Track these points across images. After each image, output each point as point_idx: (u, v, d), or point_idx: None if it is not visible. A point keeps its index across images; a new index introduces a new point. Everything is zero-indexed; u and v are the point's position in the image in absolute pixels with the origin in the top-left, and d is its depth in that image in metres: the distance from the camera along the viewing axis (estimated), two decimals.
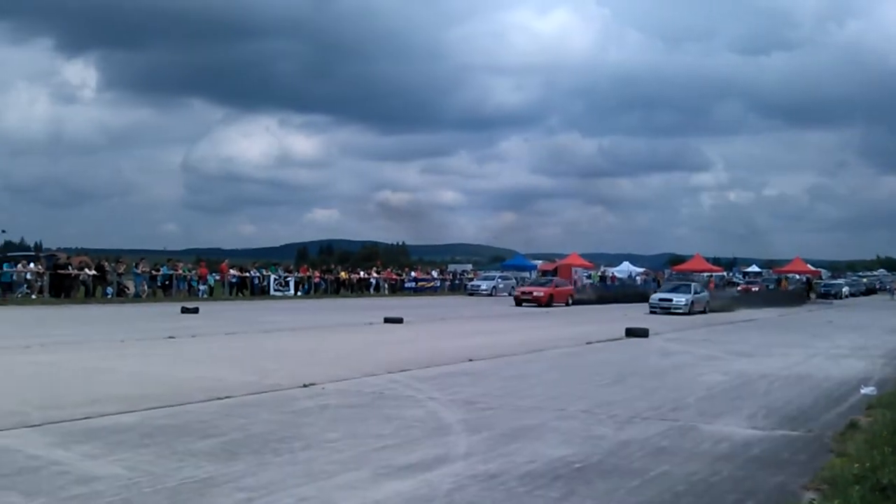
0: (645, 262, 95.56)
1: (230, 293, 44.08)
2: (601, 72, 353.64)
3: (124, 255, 48.35)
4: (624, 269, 74.99)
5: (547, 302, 40.94)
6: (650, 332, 22.61)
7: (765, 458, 8.06)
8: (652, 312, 34.67)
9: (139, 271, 39.76)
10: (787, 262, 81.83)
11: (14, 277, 35.07)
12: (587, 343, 20.30)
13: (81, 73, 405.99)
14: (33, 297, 34.75)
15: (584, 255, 73.73)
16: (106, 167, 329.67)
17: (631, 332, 22.45)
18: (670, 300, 36.12)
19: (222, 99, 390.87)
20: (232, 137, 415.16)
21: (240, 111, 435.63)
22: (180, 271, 42.28)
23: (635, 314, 32.73)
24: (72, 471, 6.85)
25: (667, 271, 73.66)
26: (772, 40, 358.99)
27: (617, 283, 64.60)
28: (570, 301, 43.32)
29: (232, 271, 45.76)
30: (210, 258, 61.72)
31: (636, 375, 14.58)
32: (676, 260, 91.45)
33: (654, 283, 58.71)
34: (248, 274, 46.32)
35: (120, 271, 39.08)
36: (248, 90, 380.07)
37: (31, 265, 36.47)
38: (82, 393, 10.92)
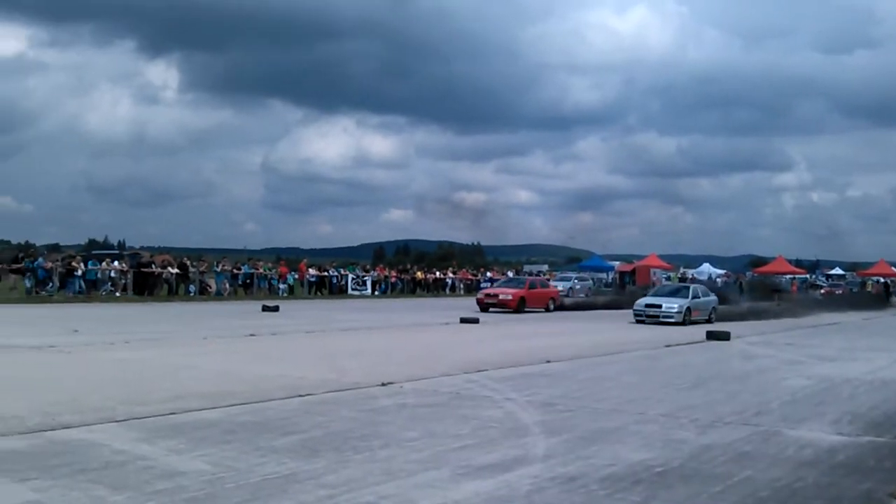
0: (726, 264, 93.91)
1: (309, 292, 44.68)
2: (679, 70, 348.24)
3: (206, 254, 49.33)
4: (704, 271, 73.88)
5: (517, 307, 34.38)
6: (731, 336, 22.24)
7: (850, 464, 7.85)
8: (638, 321, 29.01)
9: (220, 270, 40.52)
10: (872, 264, 80.00)
11: (99, 275, 35.99)
12: (666, 346, 20.06)
13: (163, 74, 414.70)
14: (117, 294, 35.61)
15: (662, 257, 73.05)
16: (187, 168, 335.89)
17: (712, 335, 22.12)
18: (658, 306, 29.40)
19: (301, 100, 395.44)
20: (310, 138, 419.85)
21: (318, 112, 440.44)
22: (261, 270, 43.02)
23: (620, 323, 28.69)
24: (157, 465, 6.98)
25: (748, 273, 72.39)
26: (854, 38, 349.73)
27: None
28: (552, 306, 36.77)
29: (311, 270, 46.35)
30: (289, 257, 62.57)
31: (717, 379, 14.34)
32: (758, 262, 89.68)
33: (735, 284, 57.68)
34: (326, 273, 46.89)
35: (202, 270, 39.89)
36: (326, 91, 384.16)
37: (116, 263, 37.39)
38: (166, 389, 11.13)
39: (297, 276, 45.40)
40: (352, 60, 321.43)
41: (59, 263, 35.16)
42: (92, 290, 34.92)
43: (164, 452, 7.46)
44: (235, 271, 41.62)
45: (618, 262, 70.94)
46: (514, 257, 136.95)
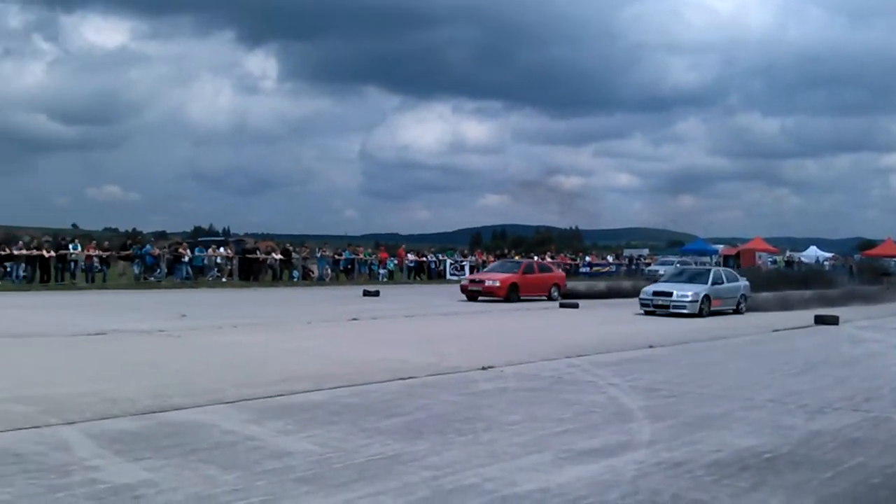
0: (833, 247, 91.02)
1: (408, 277, 45.06)
2: (781, 49, 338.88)
3: (308, 241, 50.12)
4: (811, 254, 71.85)
5: (507, 295, 29.40)
6: (840, 320, 21.63)
7: None
8: (647, 313, 24.37)
9: (321, 255, 41.19)
10: None
11: (205, 261, 36.94)
12: (773, 331, 19.64)
13: (262, 64, 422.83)
14: (223, 280, 36.54)
15: (768, 240, 71.34)
16: (287, 156, 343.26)
17: (820, 320, 21.54)
18: (668, 294, 24.43)
19: (397, 87, 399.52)
20: (407, 125, 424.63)
21: (414, 99, 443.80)
22: (361, 256, 43.56)
23: (623, 314, 24.19)
24: (265, 446, 7.14)
25: (856, 256, 70.19)
26: None
27: (803, 268, 61.97)
28: (556, 294, 31.15)
29: (409, 256, 46.72)
30: (388, 243, 63.12)
31: (826, 364, 13.99)
32: (866, 244, 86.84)
33: (843, 268, 56.04)
34: (425, 259, 47.19)
35: (304, 255, 40.58)
36: (422, 78, 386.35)
37: (221, 250, 38.33)
38: (273, 372, 11.38)
39: (396, 262, 45.89)
40: (448, 46, 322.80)
41: (166, 250, 36.21)
42: (199, 275, 35.89)
43: (272, 433, 7.63)
44: (337, 257, 42.28)
45: (721, 246, 69.56)
46: (613, 241, 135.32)
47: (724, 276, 26.26)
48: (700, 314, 23.76)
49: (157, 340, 15.33)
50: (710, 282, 25.10)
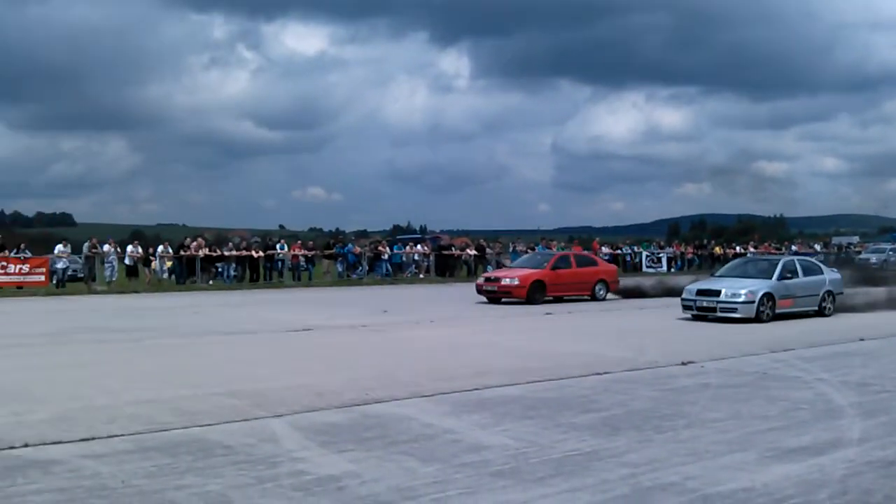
0: None
1: None
2: None
3: (501, 236, 50.55)
4: None
5: (528, 296, 23.86)
6: None
7: None
8: (694, 317, 19.22)
9: (513, 250, 41.41)
10: None
11: (404, 258, 37.86)
12: None
13: (455, 62, 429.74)
14: (421, 276, 37.32)
15: None
16: (481, 152, 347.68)
17: None
18: (716, 293, 19.05)
19: (589, 78, 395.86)
20: (599, 115, 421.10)
21: (606, 89, 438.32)
22: (554, 250, 43.44)
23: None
24: (463, 439, 7.23)
25: None
26: None
27: None
28: (604, 293, 25.79)
29: (604, 249, 46.20)
30: (581, 236, 62.81)
31: None
32: None
33: None
34: (619, 251, 46.54)
35: (498, 251, 40.89)
36: (613, 67, 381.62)
37: (419, 247, 39.23)
38: (469, 366, 11.52)
39: None
40: (639, 33, 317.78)
41: (367, 248, 37.42)
42: (398, 272, 36.83)
43: (469, 427, 7.72)
44: (530, 251, 42.35)
45: None
46: (820, 229, 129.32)
47: (798, 268, 20.49)
48: (758, 318, 18.55)
49: (359, 335, 15.82)
50: (775, 276, 19.67)
